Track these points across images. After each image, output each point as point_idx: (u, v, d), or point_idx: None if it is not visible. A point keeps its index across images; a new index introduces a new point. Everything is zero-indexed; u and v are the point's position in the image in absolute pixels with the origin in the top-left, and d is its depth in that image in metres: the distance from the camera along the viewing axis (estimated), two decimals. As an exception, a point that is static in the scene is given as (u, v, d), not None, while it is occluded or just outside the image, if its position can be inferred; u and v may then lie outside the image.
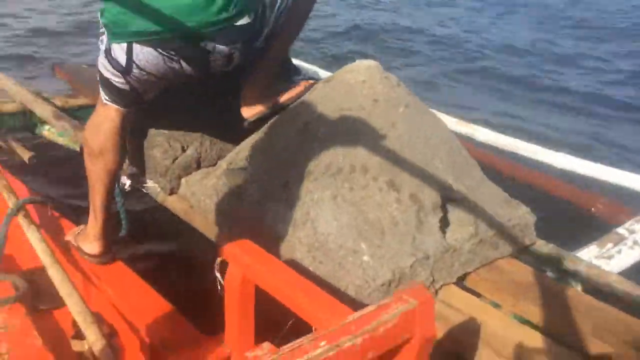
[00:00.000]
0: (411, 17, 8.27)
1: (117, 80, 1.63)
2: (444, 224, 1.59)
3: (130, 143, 1.97)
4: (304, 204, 1.56)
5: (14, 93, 2.82)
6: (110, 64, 1.60)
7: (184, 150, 1.98)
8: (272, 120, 1.79)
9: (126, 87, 1.64)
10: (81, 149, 2.55)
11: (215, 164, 1.95)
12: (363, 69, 1.73)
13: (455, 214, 1.61)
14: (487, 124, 3.04)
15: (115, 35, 1.55)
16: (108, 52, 1.59)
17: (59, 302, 1.66)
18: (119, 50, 1.56)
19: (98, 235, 1.83)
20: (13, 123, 2.79)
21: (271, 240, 1.56)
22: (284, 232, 1.55)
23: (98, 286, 1.86)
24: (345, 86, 1.70)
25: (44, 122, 2.76)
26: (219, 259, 1.43)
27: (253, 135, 1.80)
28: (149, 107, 1.77)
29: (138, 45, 1.53)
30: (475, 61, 6.37)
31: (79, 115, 2.81)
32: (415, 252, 1.50)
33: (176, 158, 1.96)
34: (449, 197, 1.62)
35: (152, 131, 2.02)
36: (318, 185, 1.56)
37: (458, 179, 1.66)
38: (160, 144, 1.98)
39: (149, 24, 1.50)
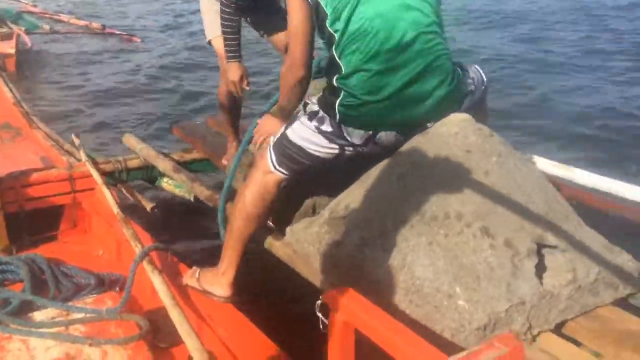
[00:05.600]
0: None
1: (323, 150, 1.89)
2: (541, 270, 1.60)
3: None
4: (400, 250, 1.64)
5: (138, 150, 3.17)
6: (327, 137, 1.86)
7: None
8: (370, 171, 1.91)
9: (327, 155, 1.90)
10: (196, 198, 2.82)
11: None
12: (456, 121, 1.81)
13: (552, 260, 1.62)
14: (586, 165, 2.96)
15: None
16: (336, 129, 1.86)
17: (178, 341, 1.83)
18: (357, 136, 1.85)
19: (231, 280, 2.02)
20: (138, 176, 3.14)
21: (370, 285, 1.65)
22: (382, 277, 1.64)
23: (211, 326, 2.02)
24: (439, 138, 1.79)
25: (163, 175, 3.07)
26: (319, 302, 1.54)
27: (352, 186, 1.93)
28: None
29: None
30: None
31: (194, 168, 3.11)
32: (510, 297, 1.52)
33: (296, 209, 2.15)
34: (544, 243, 1.63)
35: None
36: (414, 232, 1.65)
37: (554, 225, 1.67)
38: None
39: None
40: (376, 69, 1.76)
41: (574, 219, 1.77)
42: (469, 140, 1.76)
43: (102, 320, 2.05)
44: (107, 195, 2.61)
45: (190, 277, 2.14)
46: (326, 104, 1.88)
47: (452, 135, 1.77)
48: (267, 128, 2.08)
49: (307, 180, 2.11)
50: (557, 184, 2.13)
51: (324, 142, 1.88)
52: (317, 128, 1.88)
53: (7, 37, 7.18)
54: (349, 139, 1.86)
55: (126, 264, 2.24)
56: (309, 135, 1.89)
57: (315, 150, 1.90)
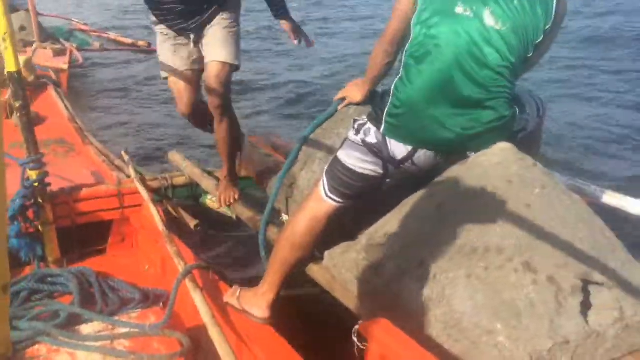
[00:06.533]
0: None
1: (369, 167, 1.91)
2: (586, 307, 1.55)
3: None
4: (439, 282, 1.63)
5: (183, 167, 3.25)
6: (371, 150, 1.89)
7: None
8: (408, 199, 1.90)
9: (373, 174, 1.92)
10: (238, 218, 2.87)
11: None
12: (498, 150, 1.79)
13: (598, 297, 1.57)
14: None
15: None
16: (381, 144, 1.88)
17: (217, 360, 1.86)
18: (398, 148, 1.87)
19: (270, 302, 2.04)
20: (183, 194, 3.22)
21: (407, 316, 1.64)
22: (420, 309, 1.62)
23: (250, 347, 2.04)
24: (479, 168, 1.77)
25: (206, 193, 3.14)
26: (356, 328, 1.55)
27: (391, 213, 1.92)
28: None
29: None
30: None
31: (236, 186, 3.15)
32: (554, 335, 1.48)
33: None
34: (590, 280, 1.58)
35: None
36: (453, 264, 1.63)
37: (600, 261, 1.62)
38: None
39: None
40: (431, 84, 1.76)
41: (622, 253, 1.72)
42: (511, 171, 1.73)
43: (146, 335, 2.11)
44: (154, 212, 2.68)
45: (231, 295, 2.17)
46: (375, 114, 1.91)
47: (493, 165, 1.75)
48: (351, 93, 2.16)
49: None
50: (609, 212, 2.07)
51: (369, 157, 1.90)
52: (363, 141, 1.90)
53: (61, 53, 7.55)
54: (391, 152, 1.87)
55: (170, 280, 2.30)
56: (355, 151, 1.92)
57: (362, 168, 1.92)
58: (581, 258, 1.60)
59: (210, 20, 2.67)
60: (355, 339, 1.56)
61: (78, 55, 7.85)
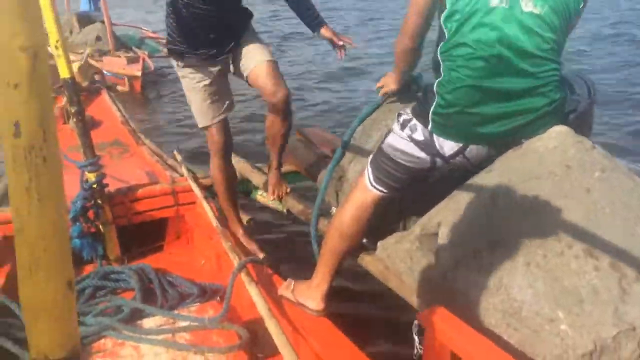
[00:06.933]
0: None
1: (415, 160, 1.89)
2: (652, 293, 1.50)
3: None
4: (496, 271, 1.60)
5: (234, 163, 3.30)
6: (419, 146, 1.87)
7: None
8: (461, 188, 1.87)
9: (419, 166, 1.90)
10: (288, 212, 2.90)
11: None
12: (554, 134, 1.73)
13: (665, 283, 1.51)
14: None
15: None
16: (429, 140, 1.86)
17: (275, 351, 1.89)
18: (449, 146, 1.84)
19: (324, 293, 2.06)
20: (235, 189, 3.26)
21: (463, 306, 1.62)
22: (477, 298, 1.60)
23: (306, 339, 2.06)
24: (535, 153, 1.72)
25: (257, 188, 3.18)
26: (416, 322, 1.54)
27: (443, 202, 1.90)
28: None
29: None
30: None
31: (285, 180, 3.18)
32: (618, 322, 1.44)
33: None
34: (656, 265, 1.52)
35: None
36: (509, 252, 1.59)
37: (666, 245, 1.55)
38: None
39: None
40: (477, 82, 1.72)
41: (690, 237, 1.64)
42: (568, 155, 1.68)
43: (205, 329, 2.17)
44: (207, 209, 2.75)
45: (286, 288, 2.19)
46: (420, 111, 1.87)
47: (549, 150, 1.70)
48: (387, 82, 2.35)
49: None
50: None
51: (416, 151, 1.87)
52: (410, 137, 1.88)
53: (134, 60, 7.89)
54: (440, 149, 1.84)
55: (226, 275, 2.35)
56: (402, 146, 1.89)
57: (408, 161, 1.90)
58: (646, 243, 1.54)
59: (241, 38, 2.67)
60: (415, 336, 1.55)
61: (150, 63, 8.19)
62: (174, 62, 2.68)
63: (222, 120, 2.71)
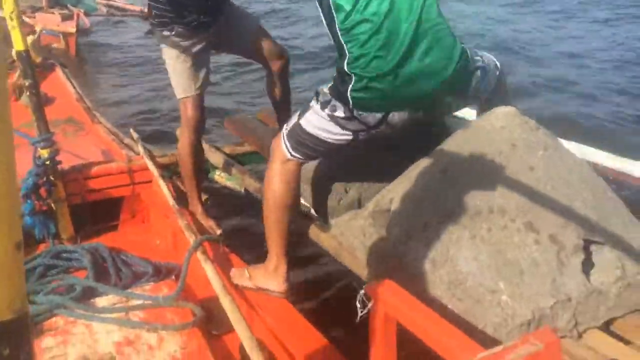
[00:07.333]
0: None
1: (337, 136, 1.91)
2: (588, 266, 1.58)
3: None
4: (443, 243, 1.66)
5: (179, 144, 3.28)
6: (340, 124, 1.89)
7: (346, 192, 2.22)
8: (413, 165, 1.92)
9: (342, 142, 1.92)
10: (246, 190, 2.90)
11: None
12: (501, 115, 1.80)
13: (600, 256, 1.60)
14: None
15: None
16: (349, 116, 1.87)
17: (229, 328, 1.91)
18: (372, 117, 1.86)
19: (284, 274, 2.07)
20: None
21: (412, 277, 1.68)
22: (424, 270, 1.66)
23: (261, 316, 2.09)
24: (483, 132, 1.78)
25: (215, 168, 3.17)
26: (361, 292, 1.58)
27: (396, 180, 1.95)
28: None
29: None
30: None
31: (244, 161, 3.19)
32: (556, 293, 1.51)
33: (340, 199, 2.19)
34: (592, 239, 1.61)
35: (320, 175, 2.31)
36: (457, 226, 1.66)
37: (602, 221, 1.64)
38: (328, 187, 2.23)
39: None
40: (383, 52, 1.75)
41: (624, 214, 1.73)
42: (514, 135, 1.75)
43: (159, 307, 2.16)
44: (163, 188, 2.72)
45: (240, 277, 2.19)
46: (338, 91, 1.88)
47: (496, 129, 1.76)
48: None
49: (346, 169, 2.15)
50: (614, 176, 2.08)
51: (337, 129, 1.90)
52: (331, 116, 1.89)
53: (68, 18, 7.70)
54: (362, 123, 1.87)
55: (181, 254, 2.34)
56: (323, 124, 1.92)
57: (329, 138, 1.93)
58: (583, 218, 1.62)
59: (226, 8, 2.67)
60: (358, 304, 1.59)
61: (85, 20, 7.99)
62: (158, 33, 2.64)
63: (199, 95, 2.68)
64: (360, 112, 1.85)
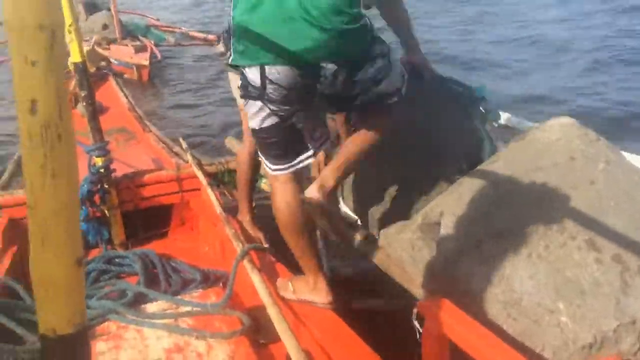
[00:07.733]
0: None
1: (260, 116, 1.87)
2: (653, 287, 1.51)
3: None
4: (498, 261, 1.61)
5: (239, 149, 3.31)
6: (248, 95, 1.85)
7: (391, 202, 2.22)
8: (464, 177, 1.88)
9: (270, 121, 1.87)
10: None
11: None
12: (557, 126, 1.74)
13: (666, 277, 1.52)
14: None
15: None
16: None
17: (276, 338, 1.90)
18: (253, 73, 1.81)
19: (325, 286, 2.06)
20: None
21: (464, 295, 1.64)
22: (478, 289, 1.61)
23: (307, 326, 2.08)
24: (539, 144, 1.73)
25: (262, 176, 3.19)
26: (415, 310, 1.55)
27: (447, 192, 1.91)
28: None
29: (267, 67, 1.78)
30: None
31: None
32: (619, 315, 1.45)
33: (386, 210, 2.19)
34: (658, 259, 1.53)
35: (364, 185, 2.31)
36: (512, 243, 1.61)
37: (669, 239, 1.56)
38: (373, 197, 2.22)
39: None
40: (251, 4, 1.73)
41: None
42: (572, 146, 1.68)
43: (207, 314, 2.18)
44: (211, 196, 2.76)
45: (285, 290, 2.18)
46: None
47: (552, 141, 1.70)
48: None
49: (389, 179, 2.13)
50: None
51: (254, 107, 1.87)
52: (243, 95, 1.87)
53: (142, 49, 7.93)
54: (249, 80, 1.81)
55: (229, 261, 2.36)
56: (250, 110, 1.90)
57: (261, 123, 1.89)
58: (649, 236, 1.55)
59: None
60: (415, 322, 1.56)
61: (157, 52, 8.26)
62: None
63: None
64: (244, 69, 1.81)
